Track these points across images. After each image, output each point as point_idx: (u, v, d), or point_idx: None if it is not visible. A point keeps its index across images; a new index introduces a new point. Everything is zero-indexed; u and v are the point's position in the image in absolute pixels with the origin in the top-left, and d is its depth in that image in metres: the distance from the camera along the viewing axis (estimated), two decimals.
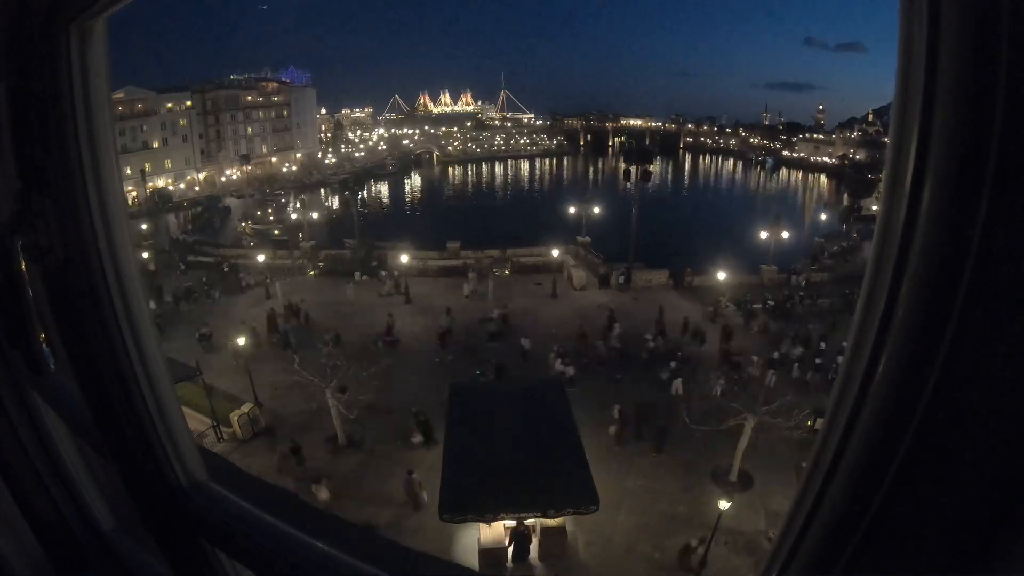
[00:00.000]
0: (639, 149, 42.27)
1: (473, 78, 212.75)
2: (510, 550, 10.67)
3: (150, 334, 1.25)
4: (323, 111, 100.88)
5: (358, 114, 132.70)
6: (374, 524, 11.21)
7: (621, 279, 26.08)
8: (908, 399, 0.54)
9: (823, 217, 51.31)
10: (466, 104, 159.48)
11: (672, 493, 12.64)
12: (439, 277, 27.71)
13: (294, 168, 75.93)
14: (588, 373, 17.42)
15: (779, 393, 13.07)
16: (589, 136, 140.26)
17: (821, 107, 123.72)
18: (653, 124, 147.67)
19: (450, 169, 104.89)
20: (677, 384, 16.30)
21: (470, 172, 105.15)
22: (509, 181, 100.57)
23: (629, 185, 38.63)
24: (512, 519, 10.45)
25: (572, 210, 35.52)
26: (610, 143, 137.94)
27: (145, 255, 28.79)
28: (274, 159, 75.16)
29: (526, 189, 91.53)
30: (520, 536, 10.58)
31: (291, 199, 56.23)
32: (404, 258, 28.12)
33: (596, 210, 35.10)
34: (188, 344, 18.36)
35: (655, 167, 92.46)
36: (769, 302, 23.93)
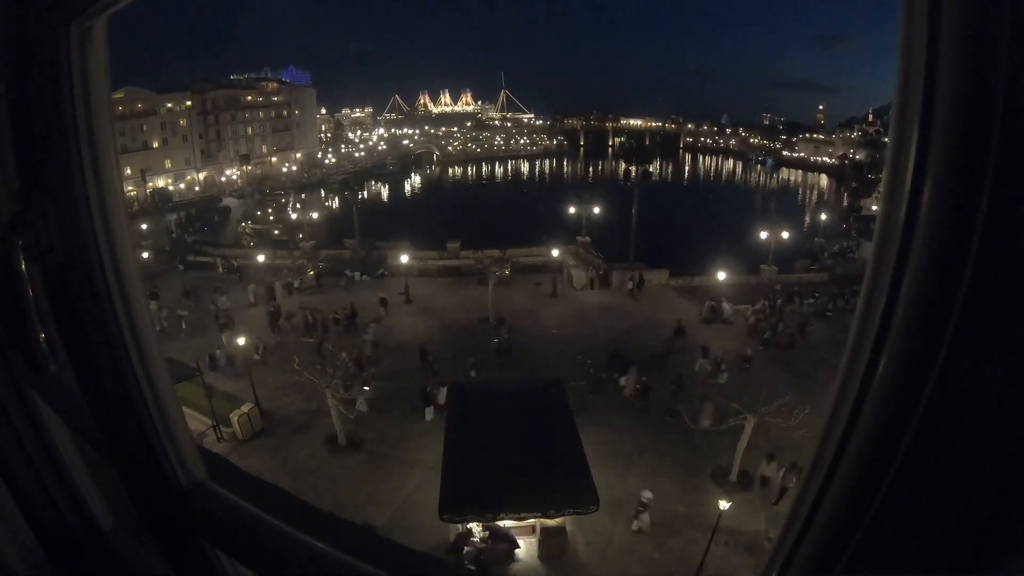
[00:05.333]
0: (639, 149, 42.29)
1: (473, 78, 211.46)
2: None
3: (150, 334, 1.25)
4: (323, 111, 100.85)
5: (358, 114, 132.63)
6: (374, 524, 11.22)
7: (630, 284, 25.68)
8: (908, 399, 0.54)
9: (823, 217, 51.26)
10: (466, 104, 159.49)
11: (672, 493, 12.63)
12: (439, 277, 27.75)
13: (294, 168, 75.92)
14: None
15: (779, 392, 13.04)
16: (589, 136, 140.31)
17: (821, 107, 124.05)
18: (653, 124, 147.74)
19: (450, 169, 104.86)
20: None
21: (470, 172, 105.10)
22: (509, 181, 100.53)
23: (629, 184, 38.63)
24: (512, 519, 10.45)
25: (572, 210, 35.52)
26: (610, 143, 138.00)
27: (145, 255, 28.77)
28: (274, 159, 75.16)
29: (526, 189, 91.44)
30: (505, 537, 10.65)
31: (291, 199, 56.21)
32: (404, 258, 28.14)
33: (596, 210, 35.11)
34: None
35: (655, 167, 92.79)
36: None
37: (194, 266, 30.55)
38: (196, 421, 14.05)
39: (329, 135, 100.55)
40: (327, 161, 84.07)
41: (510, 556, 10.71)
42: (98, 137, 1.11)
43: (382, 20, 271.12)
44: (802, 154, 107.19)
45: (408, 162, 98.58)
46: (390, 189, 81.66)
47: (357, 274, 27.26)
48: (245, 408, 14.72)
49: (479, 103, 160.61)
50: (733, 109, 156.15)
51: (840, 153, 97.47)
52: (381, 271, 27.61)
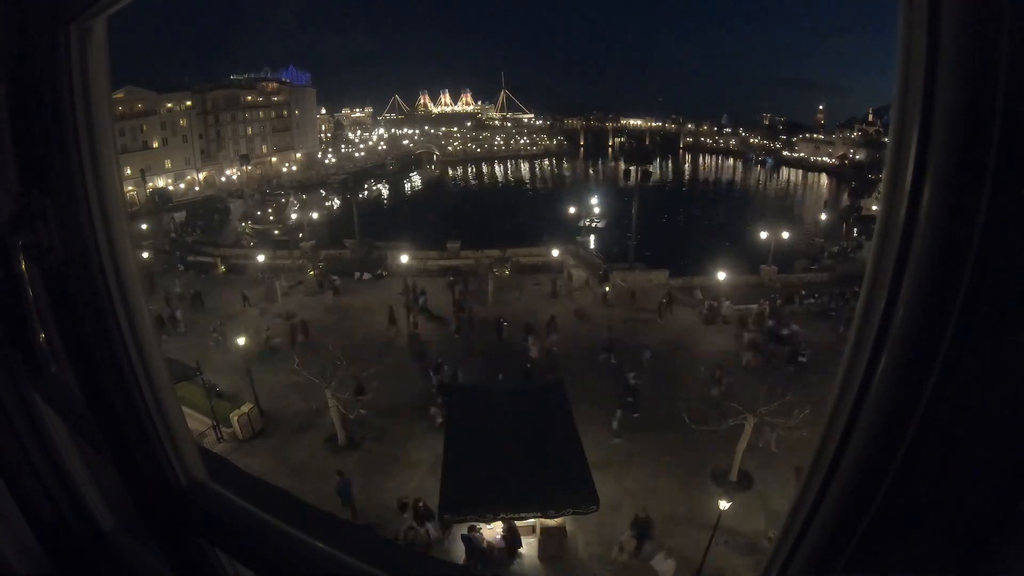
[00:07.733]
0: (639, 149, 42.39)
1: (473, 78, 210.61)
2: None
3: (150, 334, 1.25)
4: (323, 111, 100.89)
5: (358, 114, 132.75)
6: (374, 525, 11.21)
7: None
8: (908, 399, 0.54)
9: (823, 217, 51.27)
10: (466, 104, 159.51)
11: (672, 493, 12.63)
12: (439, 277, 27.78)
13: (294, 168, 75.95)
14: None
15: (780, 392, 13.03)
16: (589, 136, 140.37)
17: (821, 107, 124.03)
18: (653, 124, 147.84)
19: (450, 169, 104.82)
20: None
21: (470, 172, 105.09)
22: (509, 181, 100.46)
23: (629, 184, 38.72)
24: (512, 519, 10.45)
25: (572, 210, 35.58)
26: (610, 143, 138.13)
27: (145, 255, 28.80)
28: (274, 159, 75.17)
29: (526, 189, 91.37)
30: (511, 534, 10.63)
31: (291, 199, 56.24)
32: (404, 258, 28.15)
33: (596, 210, 35.17)
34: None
35: (655, 168, 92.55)
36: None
37: (194, 266, 30.57)
38: (196, 421, 14.05)
39: (329, 135, 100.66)
40: (327, 161, 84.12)
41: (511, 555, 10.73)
42: (98, 137, 1.11)
43: (382, 20, 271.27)
44: (802, 154, 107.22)
45: (408, 162, 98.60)
46: (390, 189, 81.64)
47: (357, 273, 27.30)
48: (245, 408, 14.71)
49: (479, 103, 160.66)
50: (733, 109, 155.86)
51: (840, 153, 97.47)
52: (380, 271, 27.62)
